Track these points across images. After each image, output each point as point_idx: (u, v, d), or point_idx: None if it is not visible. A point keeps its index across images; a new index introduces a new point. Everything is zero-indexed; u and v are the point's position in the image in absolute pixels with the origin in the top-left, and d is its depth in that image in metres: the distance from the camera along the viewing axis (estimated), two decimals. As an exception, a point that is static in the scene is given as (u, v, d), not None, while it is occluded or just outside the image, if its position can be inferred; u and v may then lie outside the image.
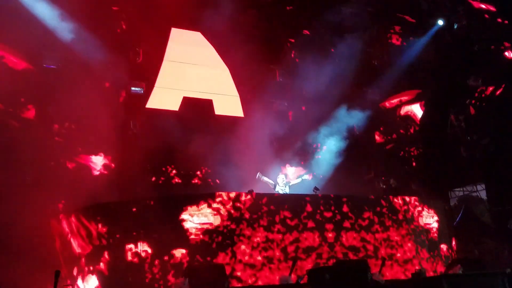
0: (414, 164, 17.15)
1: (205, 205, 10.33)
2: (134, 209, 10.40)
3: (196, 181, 14.81)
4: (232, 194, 10.58)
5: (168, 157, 14.43)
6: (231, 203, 10.46)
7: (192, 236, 10.18)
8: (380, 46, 17.05)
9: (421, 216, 12.13)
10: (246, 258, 10.24)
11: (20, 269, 10.98)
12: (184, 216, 10.24)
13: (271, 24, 15.80)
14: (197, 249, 10.11)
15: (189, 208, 10.28)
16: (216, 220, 10.33)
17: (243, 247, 10.25)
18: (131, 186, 13.34)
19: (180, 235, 10.16)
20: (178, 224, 10.23)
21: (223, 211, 10.38)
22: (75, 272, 10.73)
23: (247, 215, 10.47)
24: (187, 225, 10.23)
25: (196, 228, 10.22)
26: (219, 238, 10.23)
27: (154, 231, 10.22)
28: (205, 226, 10.27)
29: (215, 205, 10.38)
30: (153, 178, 14.26)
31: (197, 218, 10.28)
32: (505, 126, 15.95)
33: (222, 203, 10.45)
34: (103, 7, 13.81)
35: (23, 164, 12.18)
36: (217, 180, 14.69)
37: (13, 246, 11.21)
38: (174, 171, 14.58)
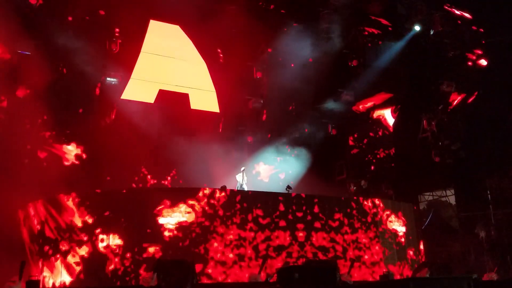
0: (385, 166, 17.33)
1: (181, 202, 10.28)
2: (105, 199, 10.25)
3: (168, 175, 14.69)
4: (207, 191, 10.55)
5: (141, 149, 14.26)
6: (205, 199, 10.42)
7: (166, 232, 10.12)
8: (356, 48, 17.15)
9: (390, 221, 12.30)
10: (218, 255, 10.23)
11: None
12: (159, 211, 10.16)
13: (250, 21, 15.73)
14: (170, 245, 10.07)
15: (164, 203, 10.21)
16: (190, 217, 10.29)
17: (215, 244, 10.25)
18: (103, 176, 13.15)
19: (154, 230, 10.09)
20: (152, 218, 10.14)
21: (197, 207, 10.35)
22: (41, 263, 10.55)
23: (220, 212, 10.46)
24: (161, 220, 10.16)
25: (170, 224, 10.16)
26: (192, 235, 10.18)
27: (126, 224, 10.11)
28: (179, 222, 10.22)
29: (190, 202, 10.33)
30: (125, 170, 14.07)
31: (172, 214, 10.22)
32: (476, 132, 16.27)
33: (197, 199, 10.40)
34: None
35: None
36: (189, 175, 14.58)
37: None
38: (146, 164, 14.41)
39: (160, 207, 10.22)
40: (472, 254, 14.95)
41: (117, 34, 13.96)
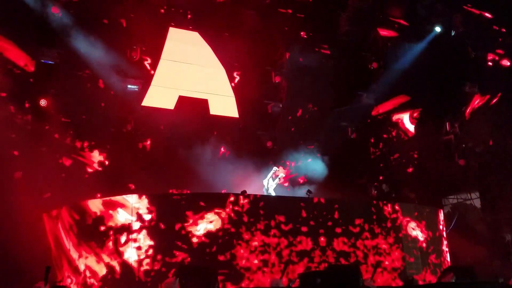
0: (408, 170, 17.15)
1: (207, 208, 10.36)
2: (131, 205, 10.28)
3: (189, 180, 14.73)
4: (232, 198, 10.57)
5: (162, 155, 14.36)
6: (231, 206, 10.48)
7: (194, 239, 10.18)
8: (376, 50, 17.04)
9: (410, 226, 12.15)
10: (243, 262, 10.28)
11: (11, 264, 10.89)
12: (187, 217, 10.25)
13: (268, 25, 15.76)
14: (197, 252, 10.12)
15: (191, 209, 10.30)
16: (216, 223, 10.34)
17: (241, 251, 10.28)
18: (125, 183, 13.26)
19: (182, 236, 10.15)
20: (181, 224, 10.22)
21: (223, 214, 10.40)
22: (67, 269, 10.65)
23: (245, 219, 10.47)
24: (189, 227, 10.24)
25: (198, 230, 10.22)
26: (219, 241, 10.26)
27: (154, 230, 10.15)
28: (206, 229, 10.28)
29: (217, 209, 10.42)
30: (146, 176, 14.16)
31: (200, 221, 10.28)
32: (500, 134, 16.02)
33: (223, 206, 10.47)
34: (103, 4, 13.73)
35: (16, 158, 12.11)
36: (209, 180, 14.61)
37: (3, 243, 11.10)
38: (167, 170, 14.49)
39: (187, 214, 10.26)
40: (498, 258, 14.69)
41: (137, 42, 14.10)
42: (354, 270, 9.03)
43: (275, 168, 12.84)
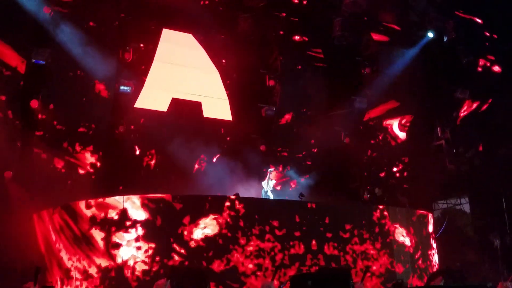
0: (399, 174, 17.24)
1: (204, 212, 10.37)
2: (123, 207, 10.24)
3: (182, 183, 14.72)
4: (228, 203, 10.61)
5: (154, 157, 14.35)
6: (227, 211, 10.51)
7: (192, 243, 10.20)
8: (369, 55, 17.13)
9: (398, 232, 12.22)
10: (239, 265, 10.32)
11: (1, 264, 10.86)
12: (181, 221, 10.25)
13: (263, 29, 15.81)
14: (194, 255, 10.13)
15: (187, 213, 10.30)
16: (213, 228, 10.36)
17: (236, 255, 10.31)
18: (117, 185, 13.23)
19: (176, 239, 10.15)
20: (174, 227, 10.22)
21: (220, 219, 10.44)
22: (58, 272, 10.61)
23: (241, 223, 10.53)
24: (185, 231, 10.24)
25: (194, 234, 10.24)
26: (216, 245, 10.29)
27: (146, 232, 10.13)
28: (203, 233, 10.29)
29: (213, 213, 10.42)
30: (138, 179, 14.15)
31: (196, 225, 10.30)
32: (491, 139, 16.14)
33: (219, 210, 10.49)
34: (97, 4, 13.72)
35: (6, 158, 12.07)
36: (202, 183, 14.61)
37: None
38: (159, 172, 14.48)
39: (180, 216, 10.28)
40: (487, 262, 14.78)
41: (130, 43, 14.09)
42: (344, 273, 9.09)
43: (270, 169, 12.90)
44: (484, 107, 17.01)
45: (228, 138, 15.40)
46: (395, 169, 17.31)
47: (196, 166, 14.72)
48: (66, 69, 13.35)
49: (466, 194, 16.84)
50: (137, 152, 14.21)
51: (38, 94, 12.90)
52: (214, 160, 14.93)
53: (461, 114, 17.19)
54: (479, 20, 17.17)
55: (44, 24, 12.95)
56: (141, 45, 14.48)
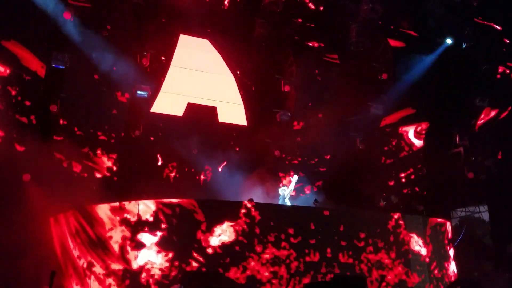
0: (415, 182, 17.07)
1: (221, 218, 10.37)
2: (139, 211, 10.24)
3: (196, 188, 14.74)
4: (244, 210, 10.59)
5: (170, 162, 14.40)
6: (243, 217, 10.48)
7: (209, 249, 10.18)
8: (386, 61, 17.02)
9: (413, 241, 12.09)
10: (254, 273, 10.29)
11: (17, 267, 10.93)
12: (197, 225, 10.25)
13: (278, 34, 15.81)
14: (211, 262, 10.12)
15: (202, 219, 10.31)
16: (230, 235, 10.35)
17: (252, 263, 10.26)
18: (133, 189, 13.27)
19: (192, 245, 10.14)
20: (191, 233, 10.21)
21: (237, 226, 10.44)
22: (73, 276, 10.65)
23: (257, 230, 10.49)
24: (203, 236, 10.23)
25: (210, 241, 10.23)
26: (233, 252, 10.27)
27: (161, 238, 10.13)
28: (220, 240, 10.28)
29: (229, 220, 10.41)
30: (154, 183, 14.18)
31: (213, 231, 10.29)
32: (510, 147, 15.92)
33: (235, 216, 10.47)
34: (115, 9, 13.84)
35: (24, 162, 12.18)
36: (216, 188, 14.62)
37: (10, 245, 11.13)
38: (174, 177, 14.52)
39: (196, 222, 10.27)
40: (506, 272, 14.55)
41: (148, 48, 14.18)
42: (360, 281, 9.00)
43: (295, 177, 12.85)
44: (504, 114, 16.80)
45: (242, 143, 15.38)
46: (412, 176, 17.14)
47: (210, 171, 14.71)
48: (85, 73, 13.46)
49: (485, 202, 16.63)
50: (154, 157, 14.25)
51: (57, 99, 13.02)
52: (228, 165, 14.91)
53: (480, 122, 17.00)
54: (498, 27, 16.99)
55: (64, 29, 13.08)
56: (158, 50, 14.56)
